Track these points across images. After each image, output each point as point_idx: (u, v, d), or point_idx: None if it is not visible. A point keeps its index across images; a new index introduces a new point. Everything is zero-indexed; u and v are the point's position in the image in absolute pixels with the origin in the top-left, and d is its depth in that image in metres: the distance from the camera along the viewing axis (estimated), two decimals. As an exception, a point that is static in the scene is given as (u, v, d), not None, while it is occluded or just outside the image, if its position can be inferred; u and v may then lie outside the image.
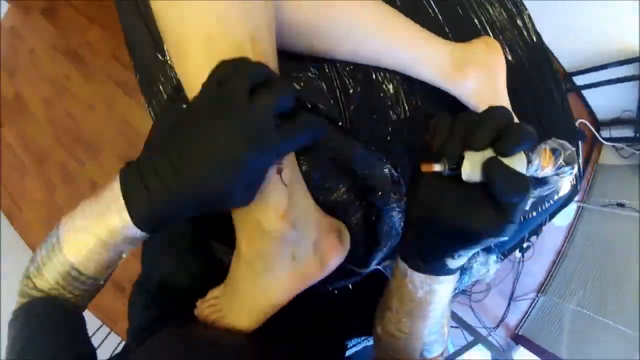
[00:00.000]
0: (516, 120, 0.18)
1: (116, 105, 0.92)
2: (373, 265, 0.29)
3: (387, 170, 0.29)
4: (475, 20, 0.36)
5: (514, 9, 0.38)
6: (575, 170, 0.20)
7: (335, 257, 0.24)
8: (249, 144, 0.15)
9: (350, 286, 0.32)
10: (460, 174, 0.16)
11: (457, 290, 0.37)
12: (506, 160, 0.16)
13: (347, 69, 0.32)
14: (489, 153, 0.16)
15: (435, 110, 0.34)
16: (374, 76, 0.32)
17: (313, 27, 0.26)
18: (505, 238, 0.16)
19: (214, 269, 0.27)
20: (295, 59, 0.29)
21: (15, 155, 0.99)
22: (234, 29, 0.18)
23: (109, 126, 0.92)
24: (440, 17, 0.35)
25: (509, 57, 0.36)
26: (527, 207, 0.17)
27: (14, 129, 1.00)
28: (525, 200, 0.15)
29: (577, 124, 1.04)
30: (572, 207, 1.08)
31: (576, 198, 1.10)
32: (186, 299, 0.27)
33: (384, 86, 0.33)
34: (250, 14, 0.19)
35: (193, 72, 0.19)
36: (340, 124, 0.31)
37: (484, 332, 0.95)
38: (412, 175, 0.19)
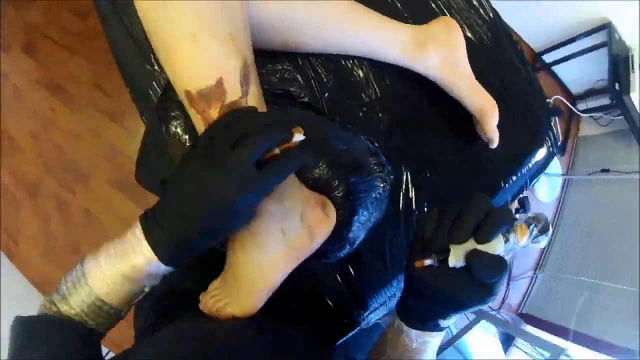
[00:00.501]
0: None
1: (102, 132, 0.94)
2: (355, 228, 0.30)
3: (364, 144, 0.31)
4: (433, 5, 0.39)
5: None
6: (549, 233, 0.22)
7: (323, 229, 0.26)
8: (234, 190, 0.19)
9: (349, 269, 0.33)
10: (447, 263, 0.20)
11: None
12: (485, 246, 0.19)
13: (320, 60, 0.34)
14: (470, 244, 0.20)
15: (404, 87, 0.36)
16: (344, 63, 0.35)
17: (287, 26, 0.28)
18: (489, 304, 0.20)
19: (219, 272, 0.28)
20: (271, 54, 0.32)
21: (8, 190, 0.99)
22: (216, 28, 0.21)
23: (96, 153, 0.93)
24: (398, 3, 0.38)
25: (469, 35, 0.39)
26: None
27: (4, 165, 1.01)
28: (503, 277, 0.20)
29: (552, 100, 1.07)
30: (557, 182, 1.10)
31: (560, 172, 1.12)
32: (192, 302, 0.28)
33: (354, 72, 0.35)
34: (228, 14, 0.22)
35: (180, 67, 0.21)
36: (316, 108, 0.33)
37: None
38: (407, 263, 0.23)
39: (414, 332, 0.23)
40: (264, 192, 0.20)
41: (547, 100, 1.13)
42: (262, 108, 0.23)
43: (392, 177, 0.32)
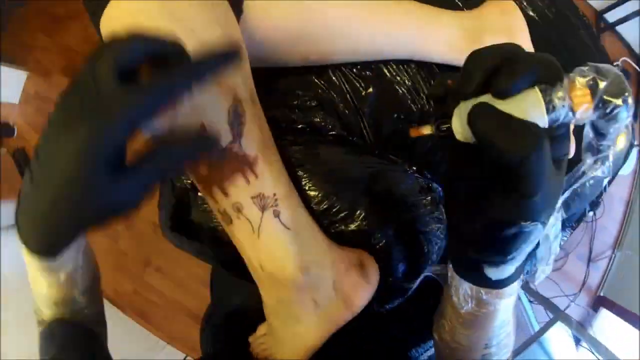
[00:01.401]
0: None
1: None
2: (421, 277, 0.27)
3: (412, 178, 0.27)
4: None
5: None
6: (631, 105, 0.13)
7: (361, 295, 0.23)
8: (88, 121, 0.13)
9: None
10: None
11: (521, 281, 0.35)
12: (506, 105, 0.12)
13: (354, 70, 0.29)
14: (486, 99, 0.12)
15: None
16: (385, 70, 0.29)
17: (304, 35, 0.24)
18: (540, 231, 0.13)
19: None
20: (299, 77, 0.28)
21: None
22: None
23: None
24: None
25: (530, 12, 0.33)
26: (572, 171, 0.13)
27: None
28: (540, 156, 0.11)
29: (619, 62, 0.98)
30: (632, 153, 1.02)
31: (636, 142, 1.03)
32: (254, 329, 0.27)
33: (398, 78, 0.29)
34: None
35: None
36: (353, 138, 0.29)
37: (565, 301, 0.91)
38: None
39: (462, 289, 0.17)
40: (129, 120, 0.13)
41: (615, 64, 1.03)
42: (265, 149, 0.19)
43: None
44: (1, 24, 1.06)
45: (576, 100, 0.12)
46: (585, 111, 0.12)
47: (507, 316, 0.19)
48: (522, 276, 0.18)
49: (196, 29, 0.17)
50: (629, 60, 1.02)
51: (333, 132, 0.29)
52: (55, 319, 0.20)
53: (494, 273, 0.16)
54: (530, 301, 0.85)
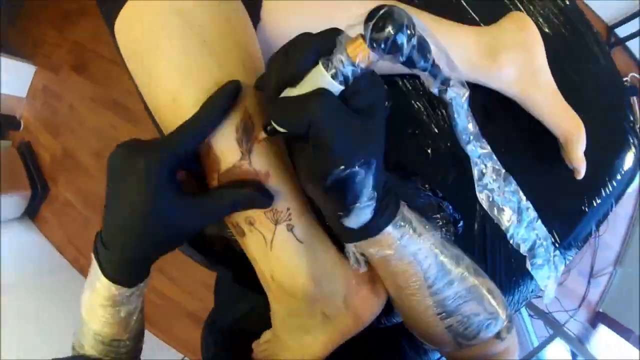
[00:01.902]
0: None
1: None
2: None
3: (425, 196, 0.27)
4: None
5: None
6: (408, 33, 0.13)
7: (370, 311, 0.23)
8: (139, 210, 0.16)
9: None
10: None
11: (524, 303, 0.34)
12: (299, 88, 0.14)
13: None
14: (287, 92, 0.14)
15: (479, 107, 0.31)
16: (400, 84, 0.29)
17: None
18: (361, 172, 0.14)
19: None
20: None
21: (76, 209, 1.02)
22: (200, 82, 0.18)
23: None
24: None
25: (545, 29, 0.33)
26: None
27: (68, 184, 1.04)
28: (322, 109, 0.13)
29: (628, 78, 0.98)
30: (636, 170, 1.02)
31: None
32: (258, 337, 0.27)
33: (414, 92, 0.29)
34: (221, 53, 0.18)
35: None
36: None
37: (565, 316, 0.91)
38: None
39: (350, 253, 0.19)
40: (192, 212, 0.17)
41: (625, 79, 1.03)
42: (277, 164, 0.19)
43: (461, 228, 0.28)
44: (7, 16, 1.06)
45: (352, 54, 0.13)
46: (364, 59, 0.13)
47: (427, 275, 0.19)
48: (411, 230, 0.18)
49: (208, 39, 0.18)
50: (637, 75, 1.02)
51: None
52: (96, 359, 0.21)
53: (350, 222, 0.17)
54: (530, 315, 0.85)
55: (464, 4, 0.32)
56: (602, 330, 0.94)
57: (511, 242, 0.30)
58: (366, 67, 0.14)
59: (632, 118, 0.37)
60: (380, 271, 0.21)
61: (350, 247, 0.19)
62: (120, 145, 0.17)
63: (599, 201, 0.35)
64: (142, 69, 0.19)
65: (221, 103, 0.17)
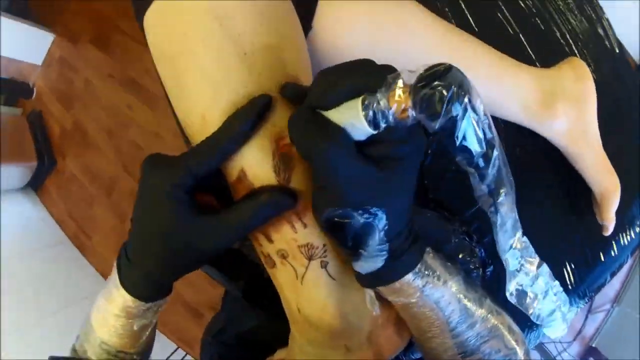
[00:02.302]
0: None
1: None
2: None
3: (460, 239, 0.27)
4: (558, 34, 0.32)
5: (593, 15, 0.33)
6: (466, 102, 0.12)
7: (392, 350, 0.23)
8: (158, 231, 0.16)
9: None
10: None
11: (532, 345, 0.35)
12: (327, 113, 0.13)
13: None
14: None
15: (520, 151, 0.31)
16: None
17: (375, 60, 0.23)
18: (362, 218, 0.14)
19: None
20: None
21: (82, 185, 1.01)
22: (232, 100, 0.16)
23: (177, 153, 0.93)
24: (520, 33, 0.31)
25: (594, 76, 0.32)
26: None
27: (76, 159, 1.02)
28: (329, 152, 0.13)
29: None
30: None
31: None
32: (264, 354, 0.26)
33: None
34: (259, 70, 0.16)
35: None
36: None
37: (559, 347, 0.91)
38: None
39: (367, 295, 0.18)
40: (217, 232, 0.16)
41: None
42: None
43: (489, 273, 0.27)
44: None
45: (391, 100, 0.12)
46: (399, 110, 0.12)
47: (448, 320, 0.18)
48: (423, 279, 0.18)
49: (248, 52, 0.16)
50: None
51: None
52: None
53: (358, 267, 0.17)
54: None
55: (522, 39, 0.31)
56: (593, 364, 0.94)
57: (533, 318, 0.30)
58: (401, 120, 0.12)
59: None
60: (401, 313, 0.20)
61: (368, 291, 0.19)
62: (145, 160, 0.17)
63: (616, 252, 0.35)
64: (172, 75, 0.18)
65: (247, 119, 0.15)
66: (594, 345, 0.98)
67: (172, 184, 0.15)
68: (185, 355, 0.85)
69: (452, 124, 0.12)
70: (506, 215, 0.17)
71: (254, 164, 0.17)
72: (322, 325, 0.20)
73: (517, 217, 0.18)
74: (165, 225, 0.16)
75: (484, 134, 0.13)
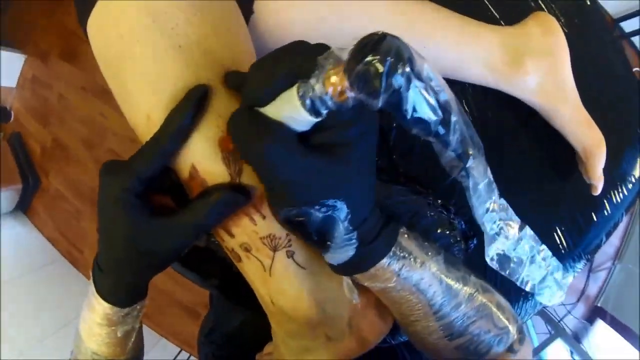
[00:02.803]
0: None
1: None
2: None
3: (436, 213, 0.25)
4: None
5: None
6: (407, 69, 0.10)
7: (375, 335, 0.22)
8: (115, 237, 0.16)
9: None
10: None
11: (532, 313, 0.33)
12: (268, 109, 0.12)
13: None
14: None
15: (494, 115, 0.29)
16: None
17: (319, 39, 0.21)
18: (321, 211, 0.13)
19: None
20: None
21: (67, 201, 1.01)
22: (177, 98, 0.16)
23: None
24: None
25: (566, 30, 0.30)
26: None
27: (59, 176, 1.03)
28: (265, 152, 0.12)
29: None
30: None
31: None
32: (255, 351, 0.26)
33: None
34: (201, 61, 0.16)
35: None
36: (381, 165, 0.28)
37: (563, 310, 0.90)
38: None
39: (345, 282, 0.18)
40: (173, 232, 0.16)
41: None
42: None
43: (473, 245, 0.26)
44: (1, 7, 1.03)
45: (326, 83, 0.11)
46: (336, 92, 0.11)
47: (431, 303, 0.18)
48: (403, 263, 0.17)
49: (183, 44, 0.16)
50: None
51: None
52: None
53: (329, 258, 0.16)
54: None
55: None
56: (600, 326, 0.94)
57: (521, 285, 0.28)
58: (341, 103, 0.11)
59: None
60: (381, 298, 0.20)
61: (344, 277, 0.18)
62: (101, 169, 0.16)
63: (609, 211, 0.33)
64: (114, 78, 0.17)
65: (185, 113, 0.15)
66: (599, 305, 0.97)
67: (122, 189, 0.15)
68: (190, 356, 0.85)
69: (397, 98, 0.11)
70: (478, 178, 0.16)
71: (203, 158, 0.16)
72: (298, 316, 0.19)
73: (492, 179, 0.17)
74: (122, 230, 0.16)
75: (437, 100, 0.12)
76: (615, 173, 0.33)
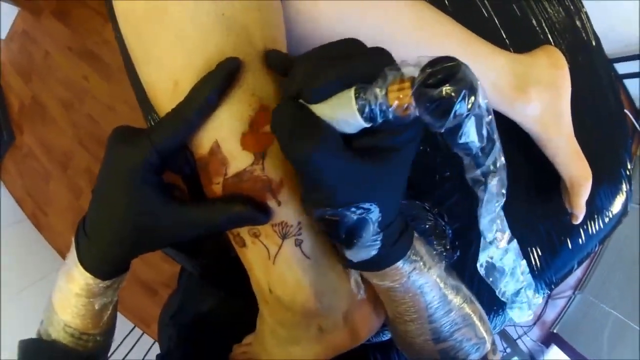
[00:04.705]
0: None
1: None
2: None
3: (431, 222, 0.26)
4: (534, 21, 0.32)
5: (571, 7, 0.33)
6: (471, 100, 0.11)
7: (368, 329, 0.22)
8: (121, 210, 0.15)
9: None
10: None
11: (499, 329, 0.35)
12: (318, 106, 0.12)
13: None
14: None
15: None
16: None
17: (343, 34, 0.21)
18: (358, 212, 0.14)
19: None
20: None
21: (39, 161, 0.99)
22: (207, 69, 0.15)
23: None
24: (495, 17, 0.30)
25: (570, 66, 0.32)
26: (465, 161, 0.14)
27: (34, 134, 1.00)
28: (313, 155, 0.12)
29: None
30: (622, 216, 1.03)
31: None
32: (224, 336, 0.26)
33: None
34: (234, 39, 0.15)
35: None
36: None
37: (519, 330, 0.92)
38: None
39: (353, 278, 0.19)
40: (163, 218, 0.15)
41: None
42: (292, 173, 0.17)
43: (456, 256, 0.28)
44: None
45: (391, 96, 0.11)
46: (400, 108, 0.11)
47: (428, 306, 0.18)
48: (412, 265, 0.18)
49: (227, 13, 0.15)
50: (628, 113, 1.02)
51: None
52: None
53: (351, 255, 0.16)
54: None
55: (497, 23, 0.31)
56: (554, 351, 0.95)
57: (499, 295, 0.30)
58: (401, 117, 0.11)
59: (629, 166, 0.37)
60: (382, 296, 0.20)
61: (354, 274, 0.19)
62: (113, 132, 0.15)
63: (584, 240, 0.35)
64: (138, 40, 0.16)
65: (215, 86, 0.14)
66: (555, 331, 0.99)
67: (141, 161, 0.14)
68: (142, 334, 0.84)
69: (458, 124, 0.12)
70: (496, 195, 0.17)
71: (230, 135, 0.15)
72: (295, 306, 0.19)
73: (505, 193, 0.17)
74: (129, 204, 0.15)
75: (488, 132, 0.13)
76: (594, 206, 0.34)
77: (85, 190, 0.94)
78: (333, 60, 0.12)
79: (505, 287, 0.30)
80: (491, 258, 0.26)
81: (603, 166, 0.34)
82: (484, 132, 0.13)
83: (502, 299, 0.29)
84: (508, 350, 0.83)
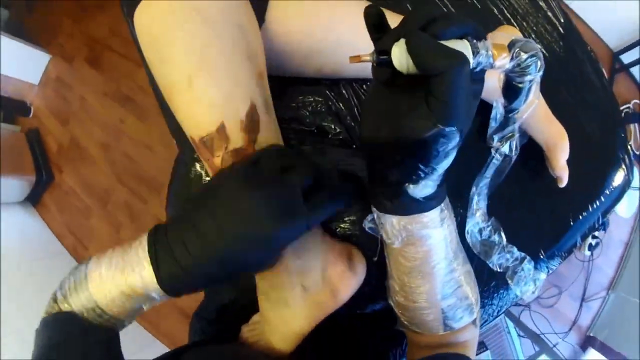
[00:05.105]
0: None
1: (173, 143, 0.96)
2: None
3: None
4: (494, 10, 0.34)
5: None
6: (541, 65, 0.17)
7: (346, 287, 0.23)
8: (280, 219, 0.16)
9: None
10: (392, 64, 0.14)
11: (505, 308, 0.35)
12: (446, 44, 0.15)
13: (364, 86, 0.31)
14: None
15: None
16: None
17: (319, 50, 0.25)
18: (456, 140, 0.15)
19: None
20: (311, 83, 0.29)
21: (79, 198, 1.04)
22: (216, 69, 0.19)
23: (168, 164, 0.95)
24: (452, 9, 0.33)
25: (539, 46, 0.35)
26: (498, 115, 0.18)
27: (73, 173, 1.05)
28: (460, 72, 0.13)
29: (631, 105, 0.98)
30: (635, 196, 1.02)
31: (637, 185, 1.04)
32: (245, 319, 0.27)
33: None
34: (231, 50, 0.19)
35: (180, 113, 0.20)
36: (354, 146, 0.31)
37: (555, 338, 0.91)
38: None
39: (389, 224, 0.19)
40: (307, 225, 0.18)
41: (627, 106, 1.03)
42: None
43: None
44: (26, 3, 1.07)
45: (496, 51, 0.16)
46: (502, 59, 0.16)
47: (441, 254, 0.20)
48: (444, 211, 0.20)
49: (220, 33, 0.19)
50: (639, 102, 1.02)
51: (339, 137, 0.31)
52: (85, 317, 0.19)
53: (415, 190, 0.18)
54: (520, 336, 0.85)
55: (453, 11, 0.33)
56: (592, 354, 0.93)
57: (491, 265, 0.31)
58: (496, 67, 0.16)
59: (623, 136, 0.37)
60: (392, 252, 0.21)
61: (391, 220, 0.19)
62: (265, 153, 0.19)
63: (585, 214, 0.36)
64: (158, 54, 0.19)
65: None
66: (591, 335, 0.97)
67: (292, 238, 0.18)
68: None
69: (525, 84, 0.17)
70: (504, 154, 0.21)
71: (235, 122, 0.19)
72: (280, 266, 0.21)
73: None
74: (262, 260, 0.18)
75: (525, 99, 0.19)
76: (592, 181, 0.35)
77: (124, 224, 0.98)
78: (451, 16, 0.15)
79: (498, 260, 0.30)
80: (478, 229, 0.28)
81: (595, 142, 0.35)
82: (524, 95, 0.18)
83: (500, 270, 0.29)
84: (544, 356, 0.81)
